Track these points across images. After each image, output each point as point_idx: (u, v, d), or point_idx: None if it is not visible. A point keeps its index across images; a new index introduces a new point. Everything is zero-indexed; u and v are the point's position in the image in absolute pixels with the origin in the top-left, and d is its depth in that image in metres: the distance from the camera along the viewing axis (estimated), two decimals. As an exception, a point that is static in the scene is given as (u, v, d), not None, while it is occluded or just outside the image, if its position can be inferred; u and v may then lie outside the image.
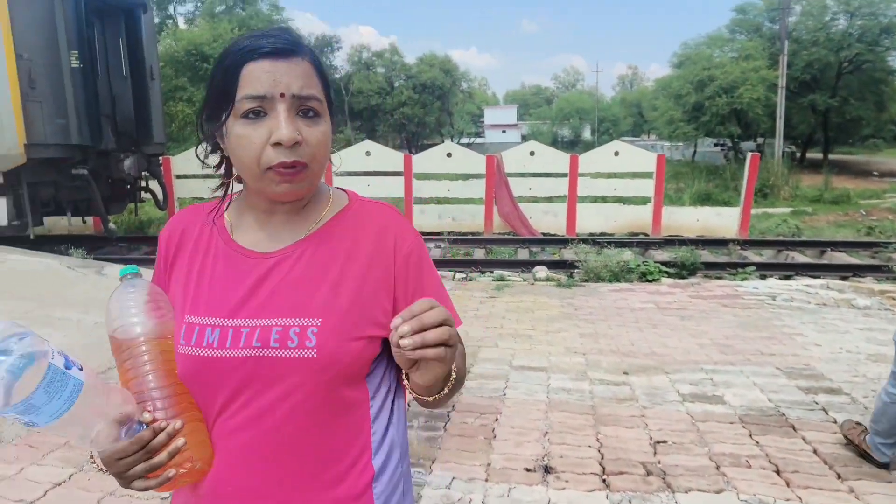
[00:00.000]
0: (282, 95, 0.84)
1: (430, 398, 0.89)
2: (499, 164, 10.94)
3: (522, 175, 11.21)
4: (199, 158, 0.94)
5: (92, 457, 0.86)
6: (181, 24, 30.54)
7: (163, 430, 0.81)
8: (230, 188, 0.97)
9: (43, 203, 8.33)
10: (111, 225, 9.15)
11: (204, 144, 0.93)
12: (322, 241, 0.93)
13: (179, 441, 0.82)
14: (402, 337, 0.74)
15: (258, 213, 0.94)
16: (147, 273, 0.95)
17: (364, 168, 11.33)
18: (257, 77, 0.83)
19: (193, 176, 11.57)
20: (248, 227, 0.95)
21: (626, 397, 3.58)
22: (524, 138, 48.97)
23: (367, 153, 11.18)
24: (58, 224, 10.27)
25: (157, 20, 30.05)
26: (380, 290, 0.92)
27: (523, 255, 9.11)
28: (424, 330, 0.74)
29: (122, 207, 9.96)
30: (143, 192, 9.94)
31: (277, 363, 0.85)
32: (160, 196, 10.09)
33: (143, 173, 9.53)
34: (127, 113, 9.24)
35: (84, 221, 9.73)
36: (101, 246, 9.52)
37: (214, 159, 0.95)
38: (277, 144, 0.83)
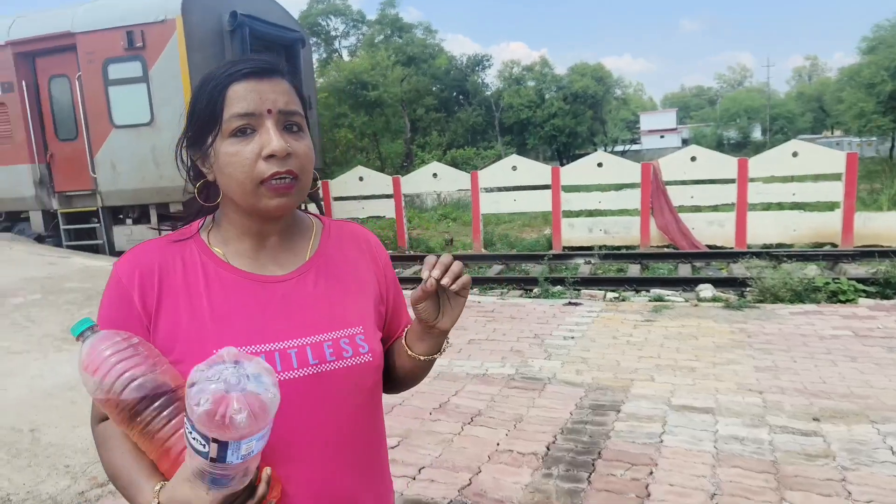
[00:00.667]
0: (269, 111, 0.87)
1: (431, 357, 1.02)
2: (655, 172, 10.13)
3: (683, 183, 10.29)
4: (188, 182, 0.97)
5: None
6: (345, 57, 32.74)
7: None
8: (206, 216, 0.98)
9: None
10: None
11: (186, 171, 0.96)
12: (326, 260, 0.99)
13: (268, 469, 0.80)
14: (438, 278, 0.92)
15: (250, 238, 0.95)
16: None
17: (510, 183, 11.10)
18: (243, 96, 0.87)
19: (350, 198, 12.10)
20: (244, 254, 0.95)
21: (818, 453, 2.91)
22: (685, 143, 46.00)
23: (514, 168, 10.94)
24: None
25: (323, 55, 32.65)
26: (377, 297, 1.03)
27: (685, 271, 8.26)
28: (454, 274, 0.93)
29: (285, 230, 10.62)
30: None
31: (337, 374, 0.90)
32: (318, 218, 10.63)
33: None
34: (287, 142, 9.83)
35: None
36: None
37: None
38: (271, 156, 0.86)
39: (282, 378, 0.84)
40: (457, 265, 0.94)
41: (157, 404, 0.78)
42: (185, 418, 0.71)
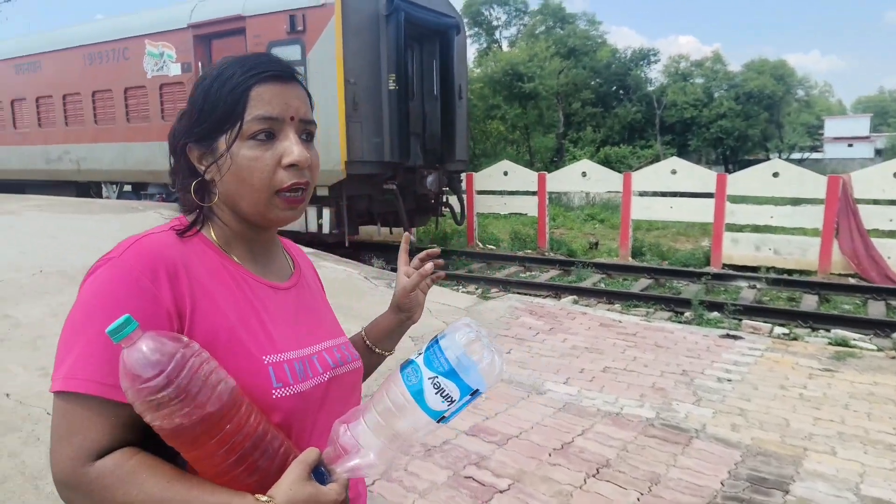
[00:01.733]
0: (291, 118, 0.86)
1: (388, 354, 1.15)
2: (845, 188, 8.67)
3: (880, 202, 8.73)
4: (172, 182, 0.92)
5: None
6: (504, 47, 32.44)
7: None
8: (201, 215, 0.90)
9: (358, 214, 9.18)
10: (412, 237, 9.69)
11: (179, 166, 0.90)
12: (301, 270, 1.04)
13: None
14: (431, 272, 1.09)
15: (246, 244, 0.93)
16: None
17: (667, 188, 10.12)
18: (268, 99, 0.84)
19: (493, 192, 11.77)
20: (246, 258, 0.93)
21: None
22: (878, 153, 40.38)
23: (673, 171, 9.95)
24: (365, 232, 11.35)
25: (484, 45, 32.64)
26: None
27: (877, 310, 6.88)
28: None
29: (424, 220, 10.55)
30: (443, 207, 10.37)
31: (347, 377, 0.95)
32: (458, 210, 10.43)
33: (443, 189, 9.92)
34: (434, 131, 9.71)
35: (391, 232, 10.55)
36: (402, 256, 10.21)
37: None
38: (292, 166, 0.85)
39: (315, 382, 0.88)
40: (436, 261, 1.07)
41: (243, 412, 0.73)
42: (425, 378, 0.77)
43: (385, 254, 9.61)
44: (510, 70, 23.71)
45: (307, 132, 0.89)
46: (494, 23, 33.55)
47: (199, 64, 9.42)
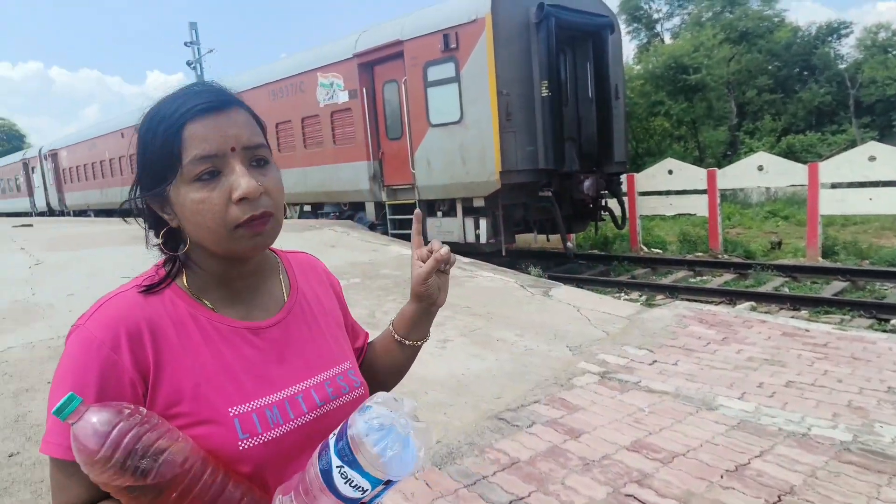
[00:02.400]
0: (233, 150, 0.82)
1: (423, 341, 1.10)
2: None
3: None
4: (147, 236, 0.91)
5: None
6: (666, 40, 30.78)
7: None
8: (176, 264, 0.89)
9: (514, 223, 9.22)
10: (570, 244, 9.54)
11: (145, 219, 0.90)
12: (301, 298, 0.99)
13: None
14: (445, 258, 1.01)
15: (227, 284, 0.91)
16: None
17: (864, 177, 8.88)
18: (203, 136, 0.80)
19: (657, 193, 11.19)
20: (227, 301, 0.91)
21: None
22: None
23: (871, 158, 8.72)
24: (522, 241, 11.32)
25: (644, 40, 31.24)
26: (341, 324, 1.06)
27: None
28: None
29: (583, 226, 10.32)
30: (602, 212, 10.07)
31: (339, 411, 0.90)
32: (619, 214, 10.06)
33: (602, 192, 9.63)
34: (590, 135, 9.47)
35: (548, 239, 10.44)
36: (561, 263, 10.05)
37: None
38: (242, 200, 0.81)
39: (295, 424, 0.86)
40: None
41: (196, 470, 0.74)
42: (334, 466, 0.73)
43: (543, 261, 9.55)
44: (673, 63, 22.39)
45: (257, 157, 0.84)
46: (655, 16, 31.94)
47: (364, 89, 10.10)
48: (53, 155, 24.25)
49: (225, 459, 0.80)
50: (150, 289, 0.86)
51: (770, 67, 25.38)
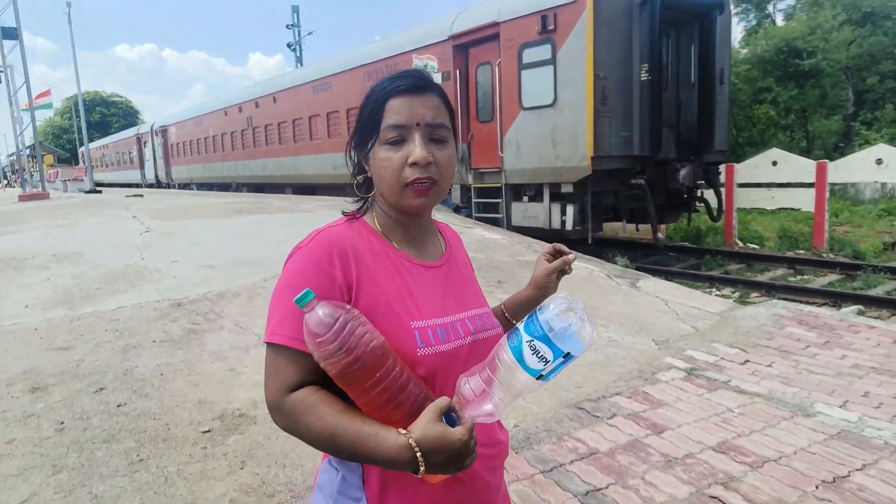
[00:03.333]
0: (417, 124, 1.05)
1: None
2: None
3: None
4: (354, 179, 1.15)
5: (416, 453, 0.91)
6: (779, 22, 28.78)
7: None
8: (366, 203, 1.15)
9: (603, 210, 8.99)
10: (660, 234, 9.20)
11: (353, 166, 1.15)
12: (452, 251, 1.23)
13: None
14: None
15: (404, 229, 1.14)
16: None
17: None
18: (398, 110, 1.05)
19: (758, 185, 10.57)
20: (403, 242, 1.13)
21: None
22: None
23: None
24: (609, 229, 10.99)
25: (752, 22, 29.35)
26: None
27: None
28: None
29: (676, 217, 9.91)
30: (697, 203, 9.62)
31: (486, 342, 1.10)
32: (714, 206, 9.58)
33: (698, 182, 9.19)
34: (690, 121, 9.05)
35: (637, 229, 10.10)
36: (649, 254, 9.71)
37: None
38: (414, 164, 1.04)
39: (457, 343, 1.06)
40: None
41: (390, 363, 0.92)
42: (524, 342, 0.91)
43: (630, 251, 9.26)
44: (785, 46, 20.91)
45: (436, 135, 1.06)
46: (767, -4, 29.90)
47: (457, 71, 10.09)
48: (163, 131, 25.91)
49: (406, 362, 0.98)
50: (350, 217, 1.13)
51: (896, 52, 23.21)
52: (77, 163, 40.38)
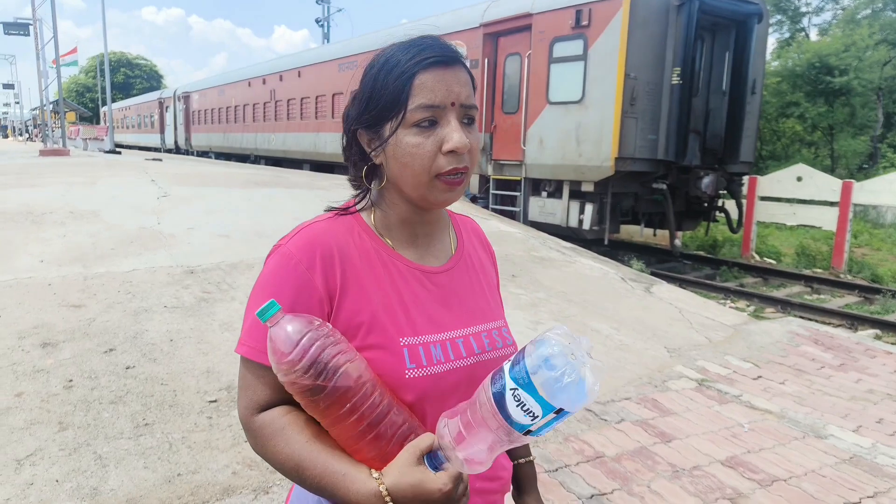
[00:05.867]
0: (453, 104, 0.87)
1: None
2: None
3: None
4: (355, 167, 0.97)
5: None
6: (812, 37, 28.32)
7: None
8: (369, 195, 0.97)
9: (622, 212, 8.90)
10: (677, 241, 9.10)
11: (354, 151, 0.96)
12: (464, 253, 1.04)
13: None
14: None
15: (409, 227, 0.97)
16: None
17: None
18: (431, 87, 0.86)
19: (780, 199, 10.43)
20: (406, 242, 0.97)
21: None
22: None
23: None
24: (626, 232, 10.90)
25: (786, 34, 28.90)
26: (495, 287, 1.10)
27: None
28: None
29: (694, 225, 9.80)
30: (717, 212, 9.51)
31: (492, 363, 0.92)
32: (735, 217, 9.47)
33: (720, 192, 9.08)
34: (717, 130, 8.93)
35: (654, 234, 10.01)
36: (664, 260, 9.62)
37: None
38: (451, 152, 0.87)
39: (455, 365, 0.91)
40: None
41: (368, 388, 0.80)
42: (507, 389, 0.74)
43: (645, 255, 9.18)
44: (818, 62, 20.58)
45: (468, 116, 0.90)
46: (803, 9, 29.43)
47: (486, 60, 10.00)
48: (186, 97, 25.94)
49: (391, 385, 0.85)
50: (342, 212, 0.95)
51: (931, 76, 22.80)
52: (98, 122, 40.63)
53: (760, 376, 4.12)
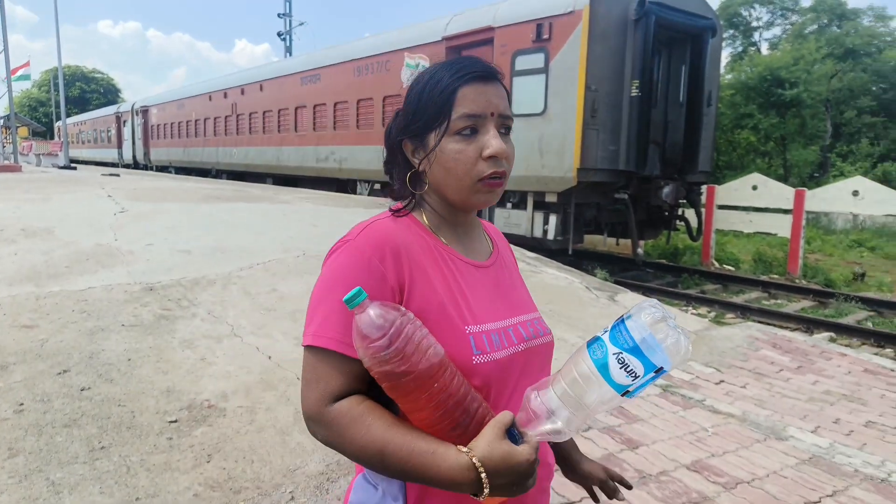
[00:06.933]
0: (492, 114, 0.97)
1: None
2: None
3: None
4: (387, 173, 1.07)
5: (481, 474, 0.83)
6: (763, 51, 29.33)
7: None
8: (413, 200, 1.04)
9: (585, 222, 9.02)
10: (639, 250, 9.25)
11: (398, 160, 1.05)
12: (500, 250, 1.14)
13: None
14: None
15: (455, 226, 1.05)
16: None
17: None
18: (473, 98, 0.96)
19: (737, 208, 10.72)
20: (452, 240, 1.04)
21: None
22: None
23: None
24: (590, 242, 11.05)
25: (739, 48, 29.87)
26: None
27: None
28: None
29: (655, 234, 9.99)
30: (677, 221, 9.72)
31: (539, 350, 1.03)
32: (694, 225, 9.68)
33: (680, 201, 9.28)
34: (676, 140, 9.14)
35: (617, 243, 10.17)
36: (628, 268, 9.77)
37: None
38: (491, 157, 0.96)
39: (511, 351, 0.97)
40: None
41: (448, 373, 0.83)
42: (610, 354, 0.82)
43: (609, 264, 9.30)
44: (769, 75, 21.32)
45: (505, 126, 0.99)
46: (754, 24, 30.49)
47: (448, 73, 10.04)
48: (144, 111, 25.44)
49: (460, 371, 0.88)
50: (398, 213, 1.02)
51: (875, 89, 23.82)
52: (52, 137, 39.46)
53: (723, 381, 4.19)
